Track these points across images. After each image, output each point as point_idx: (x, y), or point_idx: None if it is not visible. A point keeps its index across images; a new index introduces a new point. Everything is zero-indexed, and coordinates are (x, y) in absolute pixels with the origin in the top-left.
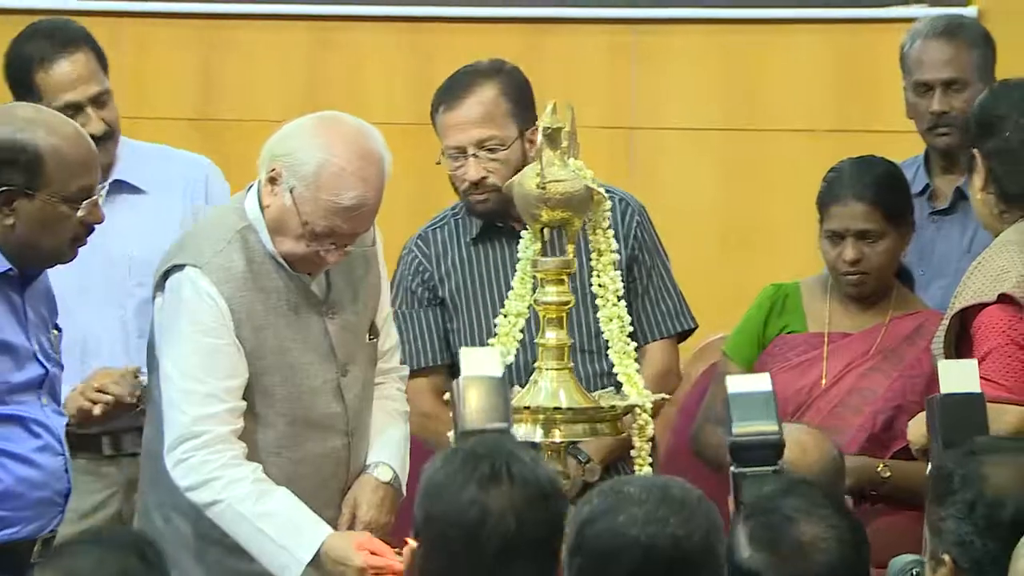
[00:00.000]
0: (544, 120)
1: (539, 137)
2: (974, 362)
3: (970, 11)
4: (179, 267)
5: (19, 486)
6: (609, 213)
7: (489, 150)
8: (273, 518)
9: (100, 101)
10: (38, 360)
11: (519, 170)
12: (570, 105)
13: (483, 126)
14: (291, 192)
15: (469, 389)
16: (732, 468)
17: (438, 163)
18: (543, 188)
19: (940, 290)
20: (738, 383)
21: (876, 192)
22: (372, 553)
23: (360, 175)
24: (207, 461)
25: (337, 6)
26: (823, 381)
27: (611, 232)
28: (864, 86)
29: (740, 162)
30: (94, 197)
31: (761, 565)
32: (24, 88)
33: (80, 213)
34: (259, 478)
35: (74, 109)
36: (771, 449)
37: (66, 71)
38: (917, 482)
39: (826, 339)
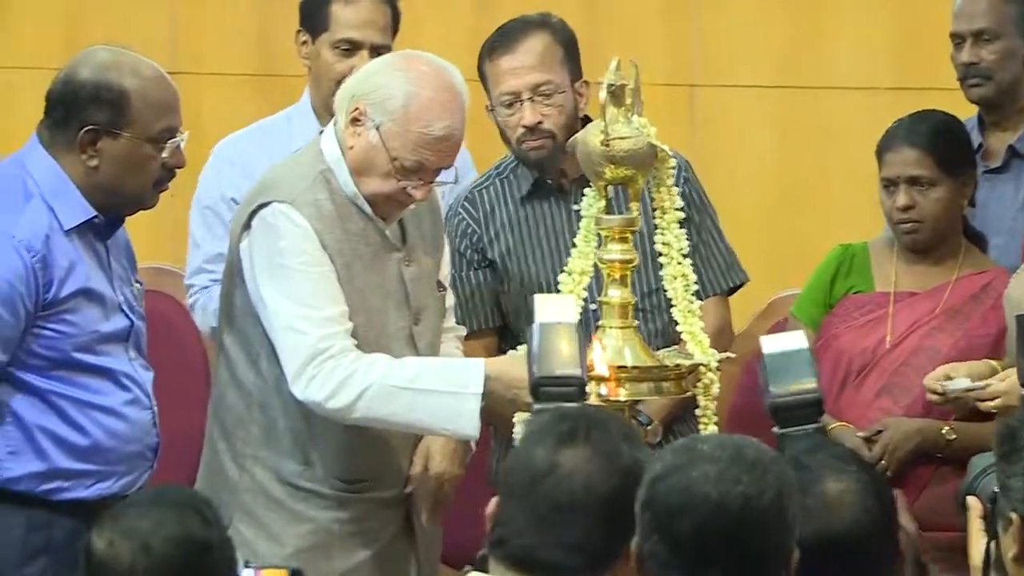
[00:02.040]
0: (608, 77)
1: (587, 91)
2: None
3: None
4: (265, 205)
5: (109, 440)
6: (673, 171)
7: (545, 95)
8: (426, 373)
9: (379, 53)
10: (123, 311)
11: (572, 118)
12: (634, 62)
13: (539, 71)
14: (378, 129)
15: (544, 335)
16: (774, 430)
17: (490, 111)
18: (607, 145)
19: (995, 248)
20: (772, 343)
21: (929, 139)
22: None
23: (447, 106)
24: (337, 366)
25: None
26: (888, 341)
27: (675, 190)
28: (924, 43)
29: (801, 120)
30: (177, 139)
31: None
32: (316, 11)
33: (164, 155)
34: (390, 357)
35: (352, 47)
36: (811, 407)
37: (363, 9)
38: (983, 444)
39: (892, 298)
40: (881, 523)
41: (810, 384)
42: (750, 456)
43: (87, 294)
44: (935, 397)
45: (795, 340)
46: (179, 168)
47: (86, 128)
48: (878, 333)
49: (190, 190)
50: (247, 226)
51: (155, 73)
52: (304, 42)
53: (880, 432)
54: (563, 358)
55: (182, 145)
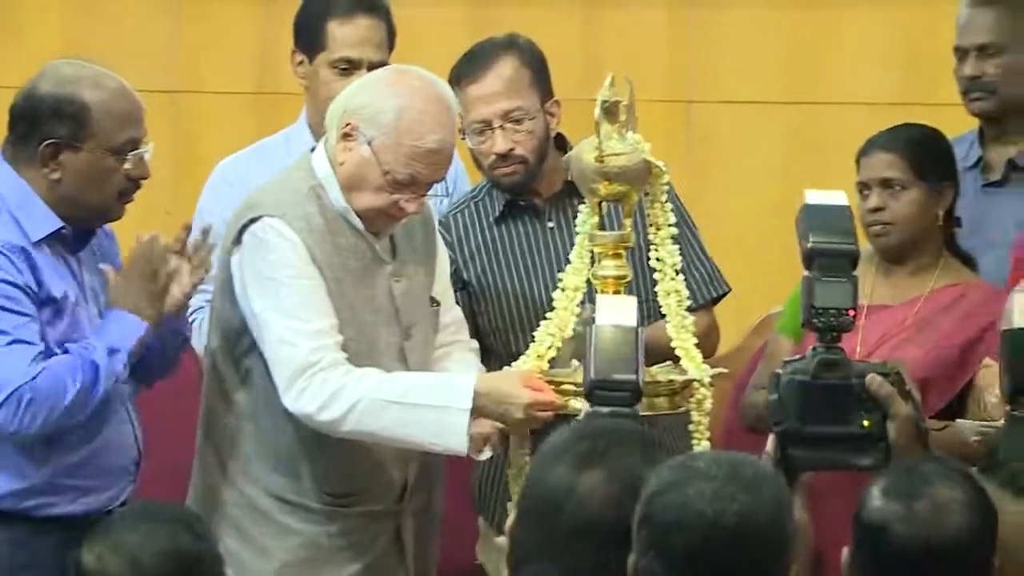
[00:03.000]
0: (602, 93)
1: (557, 110)
2: None
3: None
4: (256, 219)
5: (92, 455)
6: (667, 187)
7: (515, 121)
8: (416, 388)
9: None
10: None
11: (544, 140)
12: (628, 78)
13: (508, 97)
14: (370, 143)
15: (600, 337)
16: (806, 274)
17: (462, 137)
18: (601, 161)
19: (993, 261)
20: (815, 196)
21: (903, 144)
22: (534, 389)
23: (439, 119)
24: (328, 379)
25: None
26: (858, 353)
27: (669, 206)
28: (927, 59)
29: (799, 136)
30: (140, 151)
31: (892, 517)
32: (311, 32)
33: (127, 166)
34: (382, 371)
35: (350, 66)
36: (845, 258)
37: (359, 28)
38: (948, 451)
39: (865, 311)
40: (984, 537)
41: (848, 239)
42: (747, 474)
43: (56, 305)
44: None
45: (837, 197)
46: (143, 179)
47: (47, 142)
48: (848, 345)
49: (186, 208)
50: (238, 240)
51: (117, 85)
52: (300, 62)
53: None
54: (619, 362)
55: (146, 156)
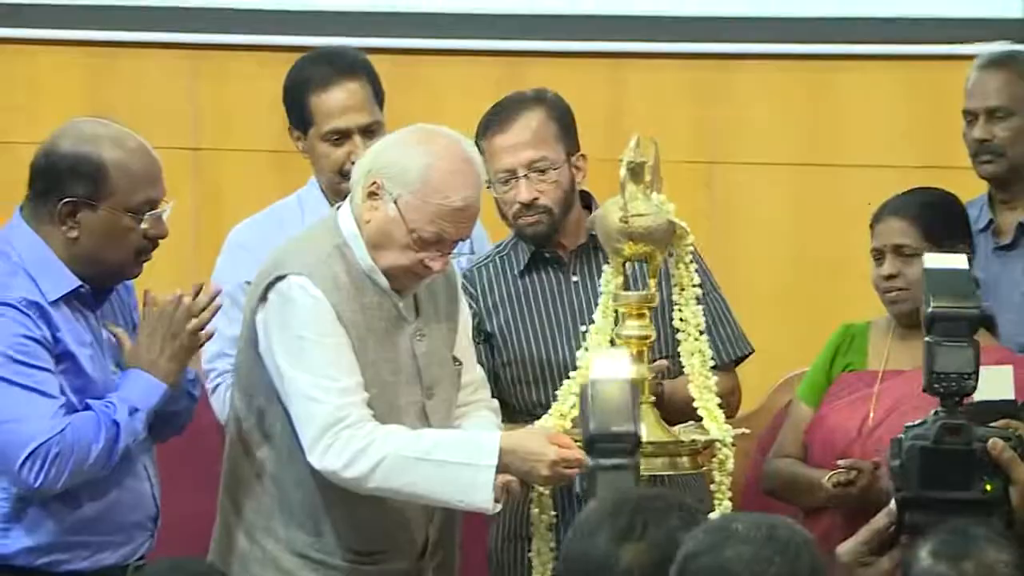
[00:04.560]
0: (627, 154)
1: (583, 164)
2: (1009, 368)
3: None
4: (282, 277)
5: (106, 511)
6: (691, 248)
7: (540, 171)
8: (442, 445)
9: (370, 131)
10: (114, 379)
11: (569, 192)
12: (654, 140)
13: (534, 147)
14: (395, 202)
15: (598, 392)
16: (927, 338)
17: (488, 187)
18: (626, 222)
19: (1006, 324)
20: (935, 260)
21: (915, 210)
22: (561, 446)
23: (465, 177)
24: (355, 435)
25: (425, 40)
26: (871, 419)
27: (693, 266)
28: (942, 122)
29: (818, 197)
30: (158, 211)
31: None
32: (298, 110)
33: (144, 226)
34: (408, 428)
35: (342, 136)
36: (965, 322)
37: (340, 98)
38: None
39: (880, 376)
40: None
41: (970, 303)
42: (784, 537)
43: (73, 360)
44: None
45: (957, 260)
46: (161, 239)
47: (64, 200)
48: (862, 412)
49: (210, 264)
50: (263, 298)
51: (136, 145)
52: (297, 137)
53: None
54: (617, 414)
55: (165, 216)
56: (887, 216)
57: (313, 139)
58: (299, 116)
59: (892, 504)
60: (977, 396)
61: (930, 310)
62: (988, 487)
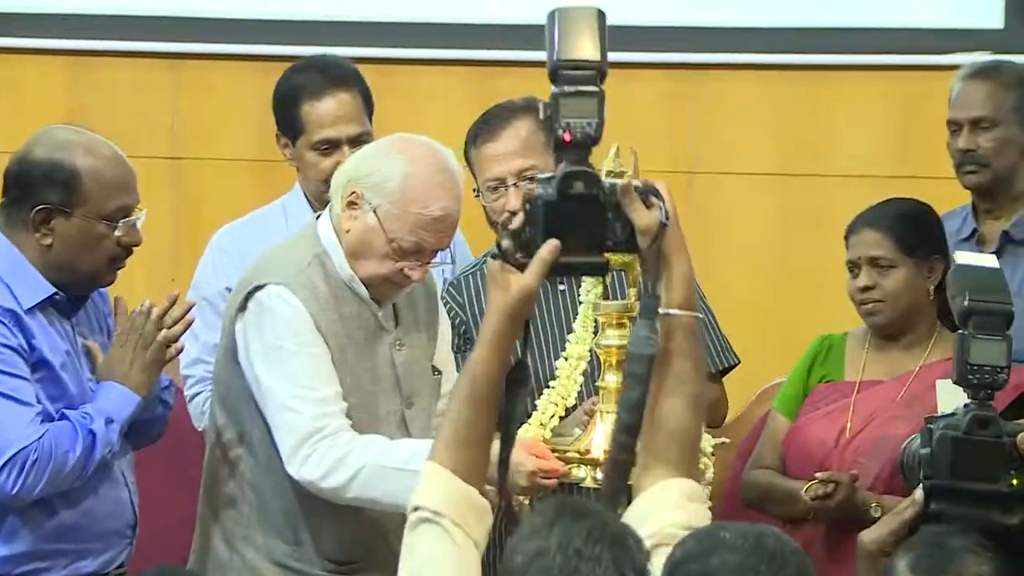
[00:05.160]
0: (607, 164)
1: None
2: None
3: None
4: (261, 287)
5: (84, 518)
6: None
7: (529, 180)
8: (420, 455)
9: (359, 142)
10: (89, 387)
11: None
12: (633, 150)
13: (523, 156)
14: (375, 211)
15: (564, 21)
16: (961, 331)
17: (476, 196)
18: None
19: None
20: (967, 257)
21: (889, 221)
22: (538, 456)
23: (444, 187)
24: (334, 445)
25: (403, 49)
26: (848, 430)
27: None
28: (923, 133)
29: (798, 207)
30: (132, 218)
31: None
32: (288, 118)
33: (117, 233)
34: (386, 438)
35: (331, 146)
36: (1000, 317)
37: (330, 107)
38: None
39: (857, 387)
40: None
41: (1005, 298)
42: (771, 546)
43: (48, 368)
44: None
45: (988, 259)
46: (134, 246)
47: (38, 207)
48: (839, 423)
49: (189, 274)
50: (242, 308)
51: (110, 152)
52: (285, 144)
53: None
54: (583, 45)
55: (138, 224)
56: (861, 228)
57: (302, 147)
58: (288, 124)
59: (918, 493)
60: (941, 408)
61: (966, 304)
62: (1015, 481)
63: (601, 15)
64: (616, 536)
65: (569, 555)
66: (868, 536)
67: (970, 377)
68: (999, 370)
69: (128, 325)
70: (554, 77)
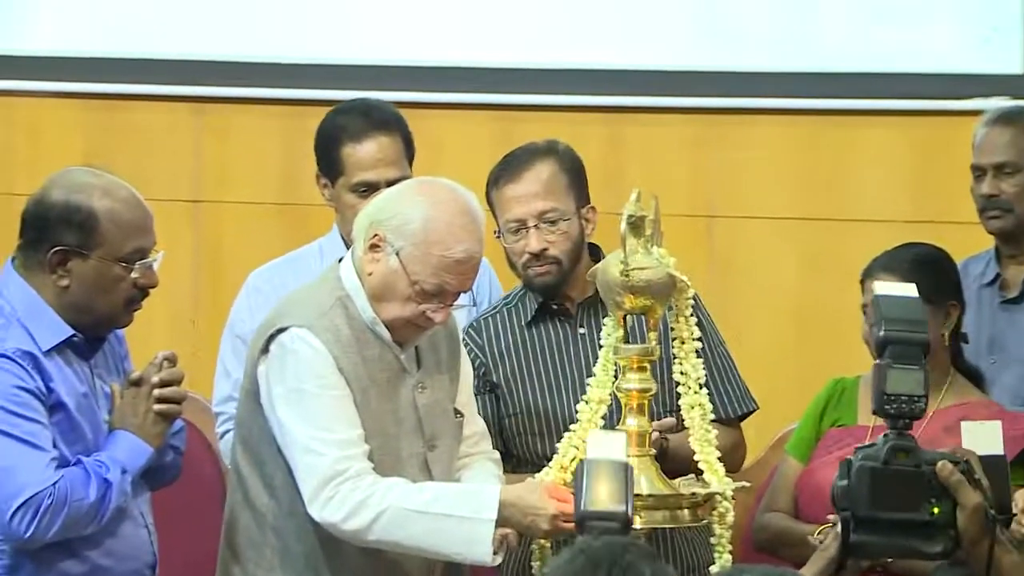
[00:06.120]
0: (628, 208)
1: (593, 216)
2: (998, 424)
3: None
4: (284, 329)
5: (104, 558)
6: (692, 301)
7: (550, 222)
8: (443, 498)
9: None
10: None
11: (579, 244)
12: (654, 194)
13: (544, 199)
14: (398, 254)
15: (591, 471)
16: (877, 362)
17: (497, 237)
18: (626, 276)
19: (1014, 378)
20: (885, 287)
21: (906, 266)
22: (560, 500)
23: (466, 229)
24: (356, 488)
25: (423, 93)
26: None
27: (693, 320)
28: (944, 177)
29: (818, 252)
30: (149, 260)
31: None
32: (328, 158)
33: (134, 275)
34: (408, 481)
35: (370, 188)
36: (917, 347)
37: (371, 151)
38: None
39: (870, 432)
40: None
41: (920, 329)
42: None
43: (65, 411)
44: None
45: (907, 289)
46: (151, 288)
47: (55, 249)
48: None
49: (208, 316)
50: (265, 350)
51: (127, 194)
52: (325, 185)
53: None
54: (608, 495)
55: (155, 266)
56: (877, 272)
57: (340, 189)
58: (329, 165)
59: (838, 527)
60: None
61: (883, 334)
62: (935, 510)
63: (629, 469)
64: None
65: None
66: None
67: (887, 407)
68: (916, 399)
69: (143, 376)
70: (580, 527)
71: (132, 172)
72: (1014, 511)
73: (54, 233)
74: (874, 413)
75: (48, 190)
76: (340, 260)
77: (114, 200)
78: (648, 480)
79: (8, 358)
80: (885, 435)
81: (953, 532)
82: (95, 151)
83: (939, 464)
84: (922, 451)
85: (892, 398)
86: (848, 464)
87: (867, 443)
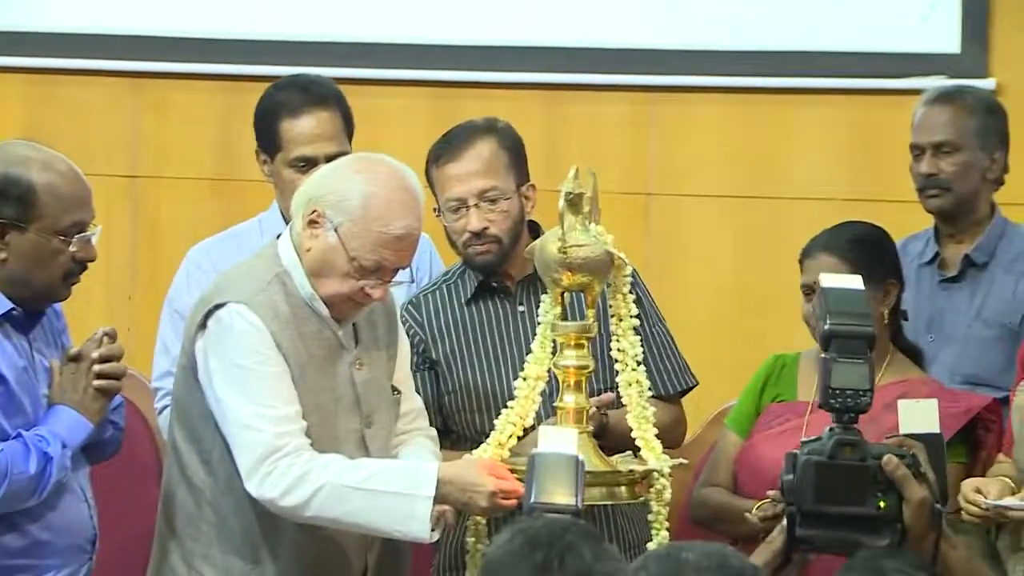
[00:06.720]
0: (566, 185)
1: (533, 194)
2: (934, 402)
3: (987, 83)
4: (221, 305)
5: (43, 533)
6: (630, 278)
7: (490, 201)
8: (380, 475)
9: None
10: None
11: (519, 222)
12: (592, 171)
13: (484, 177)
14: (336, 229)
15: (542, 465)
16: (823, 355)
17: (437, 215)
18: (564, 252)
19: (950, 356)
20: (831, 280)
21: (844, 245)
22: (498, 477)
23: (406, 205)
24: (293, 464)
25: (363, 69)
26: None
27: (632, 297)
28: (881, 156)
29: (756, 229)
30: (87, 233)
31: None
32: (267, 134)
33: (72, 248)
34: (346, 457)
35: (308, 164)
36: (862, 340)
37: (310, 126)
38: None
39: (810, 408)
40: None
41: (865, 323)
42: (735, 565)
43: (6, 386)
44: (974, 509)
45: (853, 281)
46: (89, 262)
47: None
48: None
49: (146, 290)
50: (203, 326)
51: (66, 168)
52: (264, 161)
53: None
54: (559, 488)
55: (94, 239)
56: (816, 252)
57: (279, 164)
58: (268, 140)
59: (785, 521)
60: (903, 429)
61: (827, 327)
62: (881, 504)
63: (580, 463)
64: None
65: None
66: None
67: (832, 401)
68: (861, 393)
69: (83, 352)
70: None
71: (70, 147)
72: (959, 498)
73: None
74: (820, 407)
75: None
76: (279, 236)
77: (53, 173)
78: (586, 457)
79: None
80: (831, 429)
81: (899, 526)
82: (34, 125)
83: (885, 458)
84: (868, 445)
85: (838, 392)
86: (794, 458)
87: (813, 437)
